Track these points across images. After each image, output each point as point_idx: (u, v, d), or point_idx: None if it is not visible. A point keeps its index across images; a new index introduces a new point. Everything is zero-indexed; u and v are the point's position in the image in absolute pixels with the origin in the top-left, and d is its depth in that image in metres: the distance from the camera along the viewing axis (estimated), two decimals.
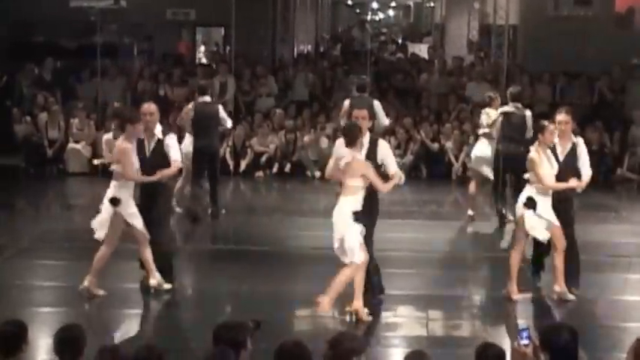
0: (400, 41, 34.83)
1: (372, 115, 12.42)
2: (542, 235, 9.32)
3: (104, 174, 16.01)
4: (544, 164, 9.26)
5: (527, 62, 20.25)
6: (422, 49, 27.63)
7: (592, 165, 11.11)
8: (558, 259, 9.39)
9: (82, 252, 10.42)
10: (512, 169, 12.46)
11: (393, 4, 50.28)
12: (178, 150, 9.79)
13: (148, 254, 9.39)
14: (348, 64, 22.45)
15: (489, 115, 13.12)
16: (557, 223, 9.31)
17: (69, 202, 15.70)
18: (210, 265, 11.21)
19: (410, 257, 11.43)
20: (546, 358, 5.19)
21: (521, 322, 8.43)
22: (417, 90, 20.08)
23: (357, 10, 51.18)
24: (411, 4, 46.59)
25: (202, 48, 24.36)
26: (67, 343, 5.48)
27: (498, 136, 12.85)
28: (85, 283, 9.28)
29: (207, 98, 13.27)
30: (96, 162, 16.25)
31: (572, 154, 9.58)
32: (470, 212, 13.32)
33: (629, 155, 16.81)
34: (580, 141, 9.69)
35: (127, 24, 21.08)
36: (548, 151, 9.38)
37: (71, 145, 16.80)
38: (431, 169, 17.10)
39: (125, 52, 20.86)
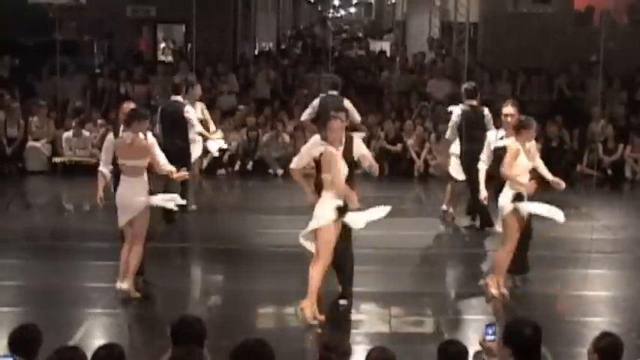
0: (361, 38, 34.97)
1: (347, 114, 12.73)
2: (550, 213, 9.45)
3: (64, 172, 16.19)
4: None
5: (487, 59, 20.42)
6: (383, 47, 27.77)
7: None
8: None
9: (41, 251, 10.50)
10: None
11: (355, 1, 50.50)
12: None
13: None
14: (309, 61, 22.49)
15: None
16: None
17: (28, 200, 15.66)
18: (175, 262, 11.22)
19: (373, 254, 11.44)
20: (509, 353, 5.23)
21: (488, 318, 8.55)
22: (378, 87, 20.20)
23: (319, 8, 51.27)
24: (373, 1, 46.76)
25: (162, 45, 24.34)
26: (21, 343, 5.48)
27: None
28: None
29: (178, 97, 13.11)
30: (56, 160, 16.42)
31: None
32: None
33: (589, 151, 16.99)
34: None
35: (87, 21, 21.00)
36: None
37: (30, 143, 16.77)
38: (393, 167, 17.10)
39: (85, 49, 20.79)
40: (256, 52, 24.49)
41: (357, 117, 13.59)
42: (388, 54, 24.58)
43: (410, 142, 17.09)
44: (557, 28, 19.86)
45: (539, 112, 17.67)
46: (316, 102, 13.43)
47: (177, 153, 12.57)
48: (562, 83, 18.97)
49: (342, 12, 54.39)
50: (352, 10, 54.41)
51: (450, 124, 12.70)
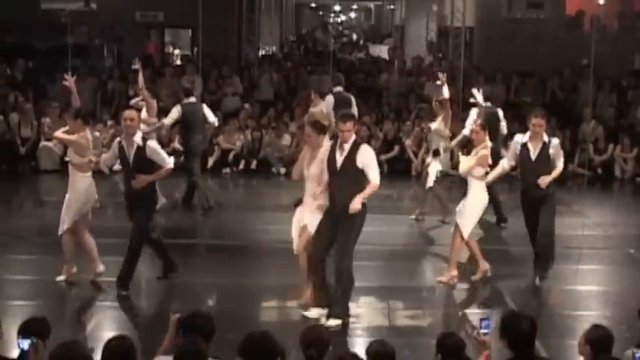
0: (361, 42, 35.31)
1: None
2: None
3: None
4: None
5: (482, 62, 20.61)
6: (382, 50, 28.06)
7: None
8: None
9: (54, 247, 10.29)
10: None
11: (355, 6, 50.68)
12: (164, 152, 9.77)
13: None
14: (311, 64, 22.86)
15: None
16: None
17: (41, 198, 15.73)
18: (182, 258, 11.07)
19: (372, 250, 11.49)
20: (505, 344, 5.37)
21: (483, 312, 8.76)
22: (377, 89, 20.33)
23: (320, 13, 51.61)
24: (372, 6, 47.02)
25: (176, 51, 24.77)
26: (29, 335, 5.41)
27: None
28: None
29: (193, 99, 13.68)
30: (68, 159, 16.71)
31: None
32: None
33: (580, 151, 17.12)
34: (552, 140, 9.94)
35: (97, 26, 21.23)
36: None
37: (43, 143, 16.84)
38: (391, 166, 17.30)
39: (95, 53, 21.02)
40: (260, 55, 24.79)
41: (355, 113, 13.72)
42: (387, 57, 24.97)
43: (408, 142, 17.22)
44: (549, 33, 20.09)
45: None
46: (330, 99, 13.76)
47: (201, 150, 13.48)
48: (554, 86, 19.15)
49: (343, 17, 54.61)
50: (352, 15, 54.63)
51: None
